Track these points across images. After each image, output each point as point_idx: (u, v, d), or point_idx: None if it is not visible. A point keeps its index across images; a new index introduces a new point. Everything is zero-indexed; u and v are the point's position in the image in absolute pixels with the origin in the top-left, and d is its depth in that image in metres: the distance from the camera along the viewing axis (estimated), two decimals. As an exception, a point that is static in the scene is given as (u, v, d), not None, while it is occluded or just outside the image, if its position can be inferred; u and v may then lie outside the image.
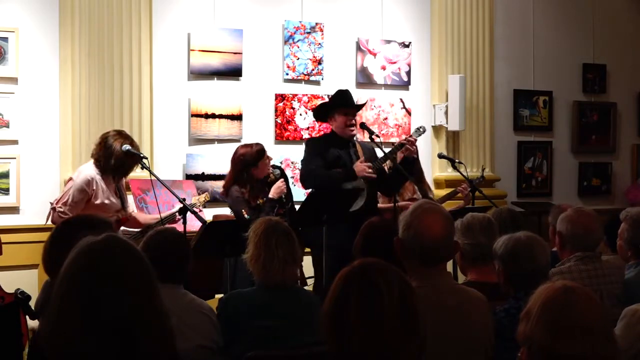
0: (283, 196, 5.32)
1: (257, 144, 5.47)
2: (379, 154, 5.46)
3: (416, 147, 5.51)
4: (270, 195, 5.31)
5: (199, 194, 5.54)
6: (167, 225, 4.70)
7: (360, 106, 5.80)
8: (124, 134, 5.07)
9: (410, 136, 5.58)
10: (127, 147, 5.01)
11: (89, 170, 4.97)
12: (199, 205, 5.33)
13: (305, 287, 5.05)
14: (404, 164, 5.44)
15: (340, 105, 5.45)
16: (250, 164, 5.35)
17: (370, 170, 5.29)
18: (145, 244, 3.25)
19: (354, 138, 5.59)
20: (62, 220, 4.52)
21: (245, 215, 5.20)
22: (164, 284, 3.01)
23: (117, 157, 4.89)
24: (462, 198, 6.47)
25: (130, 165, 5.00)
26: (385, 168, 5.53)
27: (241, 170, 5.37)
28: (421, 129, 5.75)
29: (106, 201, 4.92)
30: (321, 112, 5.59)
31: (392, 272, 1.98)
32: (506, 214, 4.33)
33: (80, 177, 4.91)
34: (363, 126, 5.57)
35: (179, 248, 3.30)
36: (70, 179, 5.02)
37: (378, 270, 1.97)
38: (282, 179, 5.36)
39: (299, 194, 6.17)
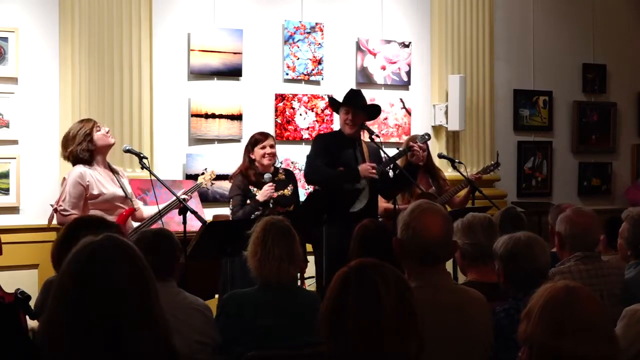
0: (270, 202, 5.35)
1: (264, 133, 5.71)
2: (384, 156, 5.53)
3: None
4: (257, 198, 5.36)
5: (203, 173, 5.54)
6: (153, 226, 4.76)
7: (362, 106, 5.67)
8: (83, 120, 5.19)
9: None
10: (127, 146, 5.15)
11: (77, 167, 5.04)
12: (207, 184, 5.49)
13: (307, 287, 5.05)
14: (408, 169, 5.47)
15: (343, 102, 5.53)
16: (250, 145, 5.61)
17: (374, 172, 5.32)
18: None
19: (361, 138, 5.63)
20: (69, 219, 4.55)
21: (230, 207, 5.48)
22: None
23: (73, 137, 5.00)
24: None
25: (93, 138, 5.01)
26: (389, 172, 5.55)
27: (245, 151, 5.65)
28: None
29: (104, 190, 4.96)
30: (332, 105, 5.77)
31: (389, 272, 1.97)
32: (509, 214, 4.36)
33: (72, 174, 4.99)
34: (363, 126, 5.56)
35: (165, 244, 3.27)
36: (64, 178, 5.08)
37: (375, 269, 1.97)
38: (270, 184, 5.39)
39: (300, 194, 6.16)
